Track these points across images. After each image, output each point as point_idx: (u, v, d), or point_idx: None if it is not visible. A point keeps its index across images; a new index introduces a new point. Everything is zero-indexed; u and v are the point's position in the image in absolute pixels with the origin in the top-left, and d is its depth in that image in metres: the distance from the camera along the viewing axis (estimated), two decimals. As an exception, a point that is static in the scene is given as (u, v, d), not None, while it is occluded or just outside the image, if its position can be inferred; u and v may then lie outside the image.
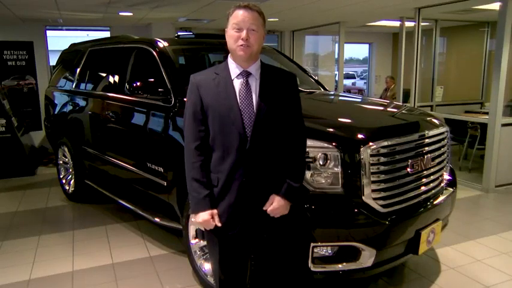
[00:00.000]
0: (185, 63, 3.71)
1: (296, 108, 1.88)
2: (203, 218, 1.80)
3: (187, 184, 1.86)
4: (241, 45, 1.73)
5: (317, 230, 2.28)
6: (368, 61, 11.91)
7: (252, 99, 1.77)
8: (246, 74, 1.80)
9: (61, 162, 4.95)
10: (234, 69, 1.81)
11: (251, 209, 1.80)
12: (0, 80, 7.15)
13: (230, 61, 1.83)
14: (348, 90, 13.53)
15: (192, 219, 1.86)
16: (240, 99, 1.76)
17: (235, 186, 1.77)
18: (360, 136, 2.37)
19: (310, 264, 2.30)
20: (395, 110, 3.18)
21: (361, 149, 2.31)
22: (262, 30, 1.78)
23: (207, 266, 2.76)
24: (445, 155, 2.86)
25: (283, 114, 1.82)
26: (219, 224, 1.80)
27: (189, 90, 1.86)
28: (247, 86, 1.78)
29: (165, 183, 3.04)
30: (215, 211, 1.80)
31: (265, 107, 1.76)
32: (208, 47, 4.03)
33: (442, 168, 2.81)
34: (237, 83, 1.79)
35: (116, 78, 3.88)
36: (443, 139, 2.81)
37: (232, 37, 1.75)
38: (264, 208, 1.81)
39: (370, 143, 2.33)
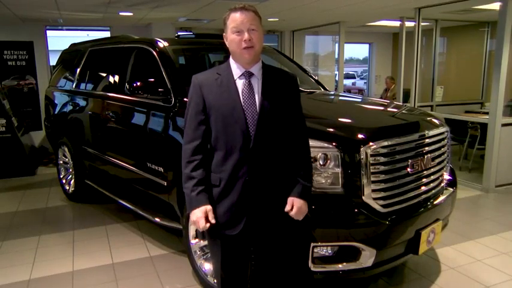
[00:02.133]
0: (185, 63, 3.71)
1: (297, 108, 1.89)
2: (196, 216, 1.77)
3: (182, 182, 1.84)
4: (245, 47, 1.73)
5: (317, 230, 2.28)
6: (368, 61, 11.91)
7: (254, 98, 1.78)
8: (248, 75, 1.81)
9: (61, 162, 4.95)
10: (236, 69, 1.82)
11: (254, 208, 1.80)
12: (0, 80, 7.15)
13: (232, 62, 1.84)
14: (348, 90, 13.53)
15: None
16: (243, 98, 1.77)
17: (239, 185, 1.77)
18: (360, 136, 2.37)
19: (310, 264, 2.30)
20: (396, 110, 3.18)
21: (361, 149, 2.31)
22: (261, 29, 1.79)
23: (207, 266, 2.75)
24: (445, 155, 2.86)
25: (285, 113, 1.83)
26: (213, 221, 1.77)
27: (191, 90, 1.87)
28: (250, 86, 1.80)
29: (165, 183, 3.04)
30: (209, 207, 1.78)
31: (268, 106, 1.77)
32: (208, 47, 4.03)
33: (442, 168, 2.81)
34: (240, 83, 1.80)
35: (116, 78, 3.88)
36: (443, 139, 2.81)
37: (234, 41, 1.76)
38: (286, 210, 1.83)
39: (370, 143, 2.33)
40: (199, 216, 1.76)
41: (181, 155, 1.85)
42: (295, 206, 1.83)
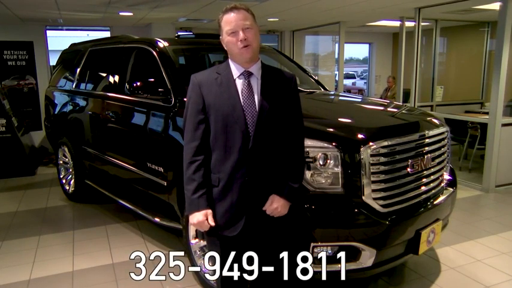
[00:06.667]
0: (185, 63, 3.71)
1: (296, 108, 1.89)
2: (198, 219, 1.79)
3: (184, 183, 1.85)
4: (242, 47, 1.74)
5: (317, 230, 2.28)
6: (368, 61, 11.91)
7: (254, 98, 1.78)
8: (247, 74, 1.81)
9: (61, 162, 4.95)
10: (235, 69, 1.82)
11: (253, 209, 1.80)
12: (0, 80, 7.15)
13: (231, 61, 1.84)
14: (348, 90, 13.53)
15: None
16: (242, 98, 1.77)
17: (237, 186, 1.77)
18: (360, 136, 2.37)
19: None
20: (396, 110, 3.18)
21: (361, 149, 2.31)
22: (255, 25, 1.79)
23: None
24: (445, 155, 2.86)
25: (284, 113, 1.83)
26: (213, 224, 1.79)
27: (190, 89, 1.86)
28: (249, 85, 1.80)
29: (165, 183, 3.04)
30: (209, 211, 1.80)
31: (267, 106, 1.77)
32: (208, 47, 4.03)
33: (442, 168, 2.81)
34: (239, 83, 1.80)
35: (116, 78, 3.88)
36: (443, 139, 2.81)
37: (231, 42, 1.77)
38: (264, 208, 1.81)
39: (370, 143, 2.33)
40: (201, 220, 1.78)
41: (183, 155, 1.85)
42: (272, 204, 1.81)
